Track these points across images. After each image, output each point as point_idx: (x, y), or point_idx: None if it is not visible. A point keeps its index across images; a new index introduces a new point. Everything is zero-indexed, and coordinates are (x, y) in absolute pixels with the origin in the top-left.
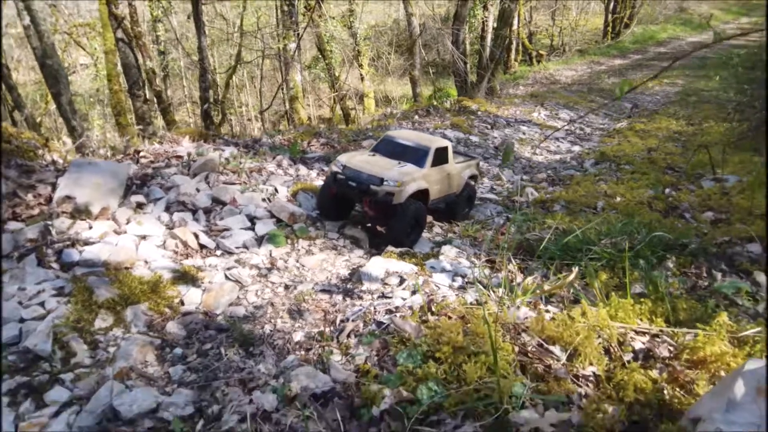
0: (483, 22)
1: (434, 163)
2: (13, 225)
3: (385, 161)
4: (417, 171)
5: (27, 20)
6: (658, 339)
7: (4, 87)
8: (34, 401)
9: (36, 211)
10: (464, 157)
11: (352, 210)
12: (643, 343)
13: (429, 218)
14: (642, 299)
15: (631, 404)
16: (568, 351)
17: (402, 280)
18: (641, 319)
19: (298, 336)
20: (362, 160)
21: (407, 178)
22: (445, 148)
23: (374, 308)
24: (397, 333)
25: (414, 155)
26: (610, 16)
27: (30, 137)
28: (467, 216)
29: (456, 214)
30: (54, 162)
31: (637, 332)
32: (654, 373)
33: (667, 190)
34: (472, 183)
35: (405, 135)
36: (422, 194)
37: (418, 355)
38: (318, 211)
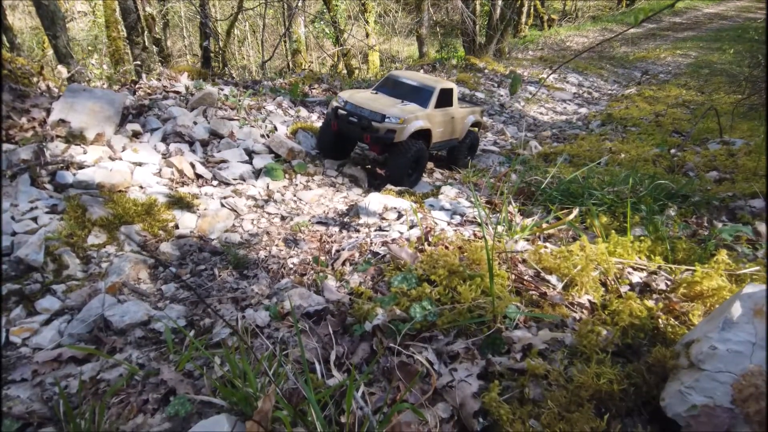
0: None
1: (438, 105)
2: (6, 146)
3: (387, 99)
4: (420, 110)
5: None
6: (655, 275)
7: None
8: (25, 309)
9: (29, 134)
10: (470, 104)
11: (352, 149)
12: (641, 278)
13: (429, 164)
14: (642, 238)
15: (625, 329)
16: (565, 281)
17: (400, 215)
18: (640, 257)
19: (293, 261)
20: (365, 97)
21: (410, 116)
22: (450, 90)
23: (371, 240)
24: (393, 261)
25: (418, 95)
26: None
27: (25, 63)
28: (468, 164)
29: (457, 160)
30: (49, 89)
31: (635, 268)
32: (650, 303)
33: (672, 150)
34: (476, 130)
35: (409, 74)
36: (424, 136)
37: (413, 278)
38: (318, 149)
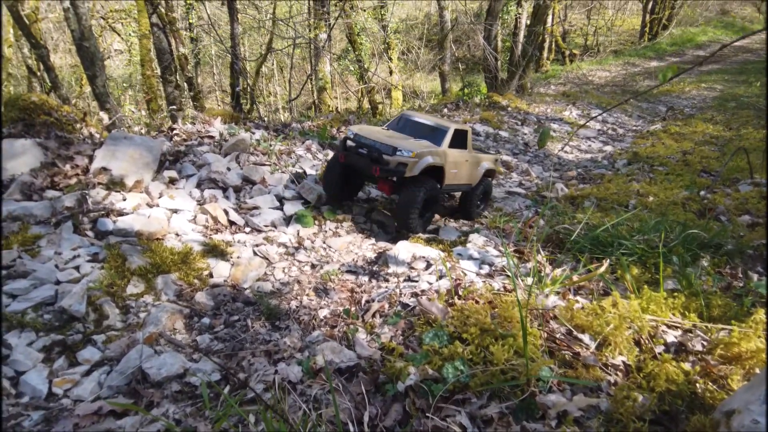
0: (516, 19)
1: (452, 145)
2: (51, 193)
3: (399, 135)
4: (434, 147)
5: (67, 2)
6: (691, 334)
7: (42, 68)
8: (67, 359)
9: (73, 181)
10: (484, 152)
11: (360, 188)
12: (676, 337)
13: (437, 216)
14: (675, 293)
15: (661, 394)
16: (598, 340)
17: (428, 265)
18: (674, 314)
19: (323, 313)
20: (376, 131)
21: (423, 151)
22: (465, 133)
23: (400, 290)
24: (423, 315)
25: (431, 134)
26: (647, 16)
27: (69, 111)
28: (480, 214)
29: (470, 209)
30: (91, 135)
31: (669, 326)
32: (686, 366)
33: (702, 192)
34: (490, 179)
35: (423, 115)
36: (437, 176)
37: (445, 336)
38: (323, 188)
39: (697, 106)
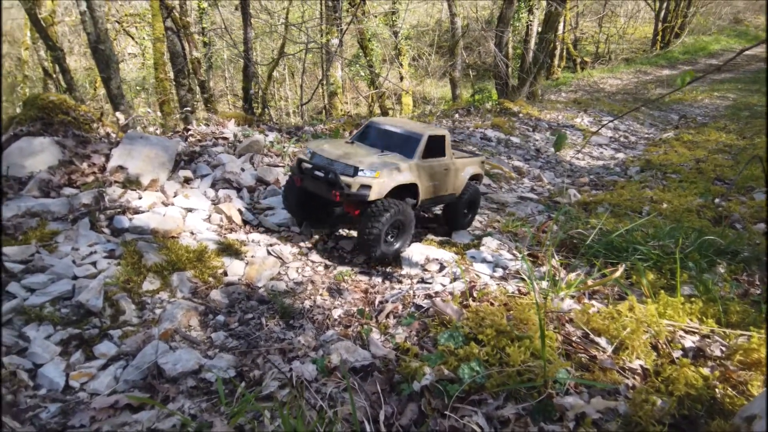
0: (527, 26)
1: (427, 155)
2: (68, 190)
3: (364, 150)
4: (403, 161)
5: (84, 6)
6: (709, 339)
7: (58, 69)
8: (84, 353)
9: (90, 179)
10: (467, 154)
11: (327, 208)
12: (694, 342)
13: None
14: (692, 299)
15: (681, 399)
16: (615, 344)
17: (442, 267)
18: (691, 319)
19: (337, 312)
20: (336, 147)
21: (389, 169)
22: (442, 138)
23: (413, 292)
24: (438, 316)
25: (402, 144)
26: (660, 24)
27: (86, 110)
28: (470, 224)
29: (456, 221)
30: (108, 135)
31: (686, 331)
32: (705, 371)
33: (716, 200)
34: (475, 185)
35: (393, 121)
36: (410, 192)
37: (460, 337)
38: (284, 208)
39: (710, 115)
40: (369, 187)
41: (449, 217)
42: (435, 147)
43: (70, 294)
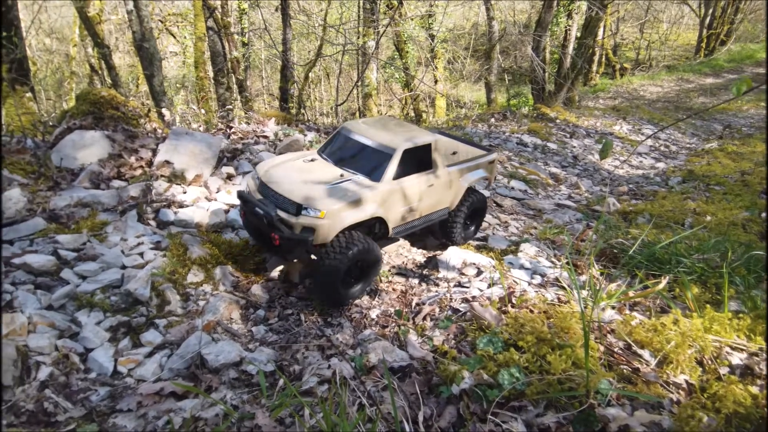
0: (566, 31)
1: (406, 171)
2: (117, 183)
3: (323, 171)
4: (366, 189)
5: (130, 5)
6: (757, 357)
7: (104, 66)
8: (132, 340)
9: (138, 172)
10: (478, 150)
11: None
12: (741, 360)
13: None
14: (740, 315)
15: (728, 416)
16: (658, 357)
17: (479, 272)
18: (738, 336)
19: (374, 313)
20: (290, 170)
21: (342, 203)
22: (427, 147)
23: (450, 296)
24: (475, 321)
25: (369, 161)
26: (705, 31)
27: (135, 106)
28: (472, 236)
29: (451, 234)
30: (155, 130)
31: (733, 347)
32: (754, 389)
33: (763, 214)
34: (481, 194)
35: (366, 128)
36: (378, 222)
37: (499, 342)
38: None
39: (756, 126)
40: (313, 229)
41: (443, 231)
42: (417, 160)
43: (119, 282)
